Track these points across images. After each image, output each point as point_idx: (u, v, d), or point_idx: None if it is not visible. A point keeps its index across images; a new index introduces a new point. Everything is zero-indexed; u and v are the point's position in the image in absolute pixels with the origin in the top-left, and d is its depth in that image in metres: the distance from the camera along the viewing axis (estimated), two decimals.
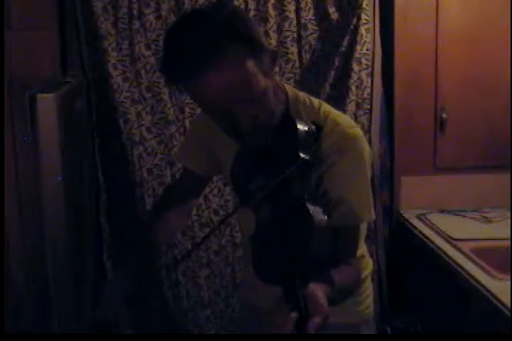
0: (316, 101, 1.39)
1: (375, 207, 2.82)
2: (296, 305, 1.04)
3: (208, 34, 1.14)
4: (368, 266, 1.58)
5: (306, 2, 2.51)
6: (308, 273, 1.10)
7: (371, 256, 2.66)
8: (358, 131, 1.36)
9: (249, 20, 1.22)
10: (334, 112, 1.36)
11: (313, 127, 1.21)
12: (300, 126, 1.20)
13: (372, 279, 2.69)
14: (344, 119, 1.36)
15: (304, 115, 1.30)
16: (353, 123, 1.38)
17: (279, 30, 2.53)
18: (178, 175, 2.48)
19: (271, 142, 1.22)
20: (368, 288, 1.59)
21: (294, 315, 1.02)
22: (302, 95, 1.39)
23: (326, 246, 1.14)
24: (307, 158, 1.15)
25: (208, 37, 1.13)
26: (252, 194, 1.14)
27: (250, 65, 1.15)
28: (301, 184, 1.17)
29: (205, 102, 1.22)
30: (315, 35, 2.55)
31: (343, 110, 2.55)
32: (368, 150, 1.37)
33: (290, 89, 1.39)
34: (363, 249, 1.52)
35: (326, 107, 1.38)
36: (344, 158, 1.30)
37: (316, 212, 1.13)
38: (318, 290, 1.08)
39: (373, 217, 1.40)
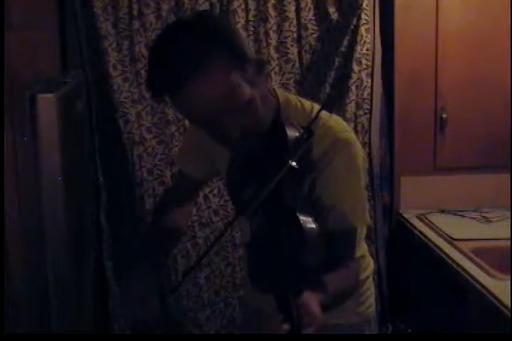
0: (308, 104, 1.37)
1: (375, 208, 2.82)
2: (289, 316, 1.02)
3: (190, 45, 1.13)
4: (369, 265, 1.58)
5: (306, 2, 2.51)
6: (302, 282, 1.09)
7: (371, 256, 2.66)
8: (351, 134, 1.34)
9: (233, 30, 1.22)
10: (327, 115, 1.34)
11: (304, 132, 1.19)
12: (290, 132, 1.18)
13: (373, 279, 2.71)
14: (336, 123, 1.34)
15: (295, 120, 1.27)
16: (345, 126, 1.37)
17: (279, 30, 2.53)
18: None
19: (261, 150, 1.21)
20: (370, 288, 1.58)
21: (286, 327, 1.01)
22: (294, 99, 1.37)
23: (318, 254, 1.13)
24: (295, 164, 1.14)
25: (191, 48, 1.13)
26: (246, 203, 1.12)
27: (234, 75, 1.14)
28: (292, 191, 1.16)
29: (190, 114, 1.21)
30: (315, 35, 2.55)
31: (343, 110, 2.56)
32: (361, 154, 1.35)
33: (282, 94, 1.37)
34: (362, 248, 1.52)
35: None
36: (336, 163, 1.29)
37: (307, 222, 1.12)
38: (311, 300, 1.07)
39: (368, 221, 1.39)
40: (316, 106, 1.37)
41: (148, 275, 1.34)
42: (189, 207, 1.67)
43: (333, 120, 1.34)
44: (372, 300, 1.59)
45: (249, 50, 1.20)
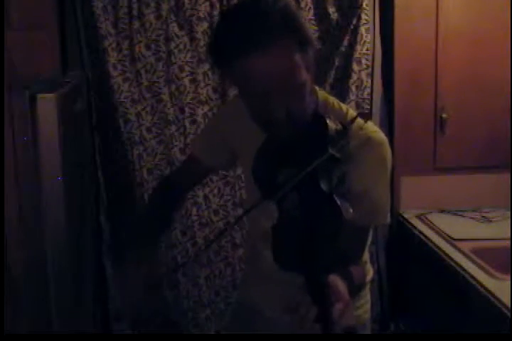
0: (344, 106, 1.45)
1: None
2: (319, 293, 1.05)
3: (263, 20, 1.17)
4: (369, 272, 1.61)
5: (306, 2, 2.51)
6: (332, 264, 1.11)
7: (371, 256, 2.67)
8: (383, 135, 1.41)
9: (301, 16, 1.27)
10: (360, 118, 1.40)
11: (342, 127, 1.23)
12: (330, 124, 1.22)
13: (373, 279, 2.71)
14: (369, 124, 1.41)
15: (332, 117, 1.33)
16: (377, 128, 1.43)
17: None
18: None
19: (299, 136, 1.24)
20: (367, 295, 1.62)
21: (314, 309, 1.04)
22: (332, 99, 1.44)
23: (349, 239, 1.15)
24: (336, 154, 1.16)
25: (266, 22, 1.17)
26: (278, 187, 1.14)
27: (297, 56, 1.21)
28: (328, 180, 1.19)
29: (246, 86, 1.24)
30: (315, 35, 2.55)
31: None
32: (390, 156, 1.40)
33: (321, 92, 1.44)
34: (366, 255, 1.56)
35: (353, 113, 1.43)
36: (368, 160, 1.34)
37: (344, 204, 1.14)
38: (338, 280, 1.11)
39: (389, 219, 1.43)
40: (350, 110, 1.44)
41: (145, 262, 1.36)
42: (185, 198, 1.66)
43: (366, 123, 1.40)
44: (368, 305, 1.63)
45: (313, 37, 1.27)
